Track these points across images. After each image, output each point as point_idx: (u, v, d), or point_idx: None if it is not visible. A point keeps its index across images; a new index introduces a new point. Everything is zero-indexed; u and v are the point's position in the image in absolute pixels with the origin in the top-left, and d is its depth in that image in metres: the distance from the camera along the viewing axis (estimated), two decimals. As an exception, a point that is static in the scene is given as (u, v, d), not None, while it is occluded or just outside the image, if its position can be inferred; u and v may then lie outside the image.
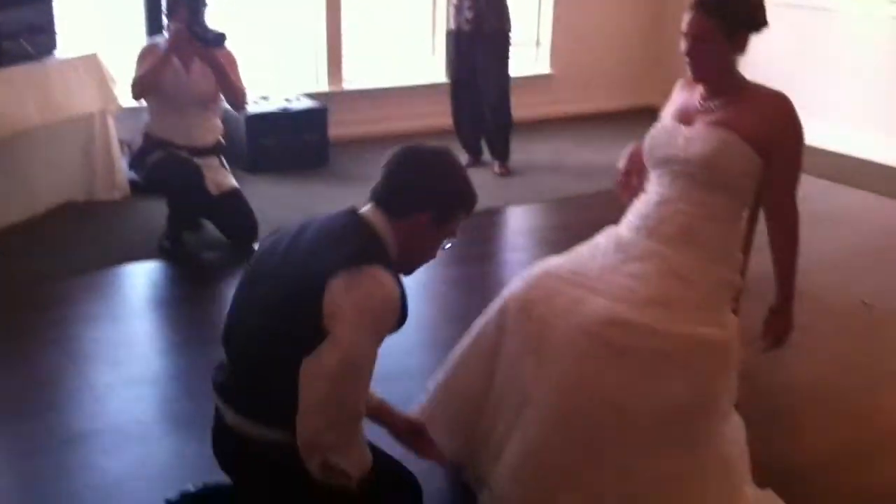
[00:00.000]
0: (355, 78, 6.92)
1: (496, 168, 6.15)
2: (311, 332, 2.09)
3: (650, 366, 2.51)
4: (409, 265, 2.33)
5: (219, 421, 2.35)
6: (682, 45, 2.67)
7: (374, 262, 2.16)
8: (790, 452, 3.10)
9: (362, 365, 2.14)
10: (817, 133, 5.95)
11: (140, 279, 4.43)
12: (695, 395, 2.54)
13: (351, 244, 2.18)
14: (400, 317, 2.19)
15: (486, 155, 6.31)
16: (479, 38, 5.91)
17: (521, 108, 7.35)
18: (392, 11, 6.40)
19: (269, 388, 2.19)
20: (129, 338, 3.82)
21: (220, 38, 4.47)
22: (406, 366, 3.38)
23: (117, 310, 4.11)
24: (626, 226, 2.81)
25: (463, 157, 6.20)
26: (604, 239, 2.82)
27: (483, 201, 2.50)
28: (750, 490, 2.68)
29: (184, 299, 4.29)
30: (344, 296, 2.09)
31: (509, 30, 6.02)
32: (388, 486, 2.31)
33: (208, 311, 4.10)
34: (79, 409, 3.25)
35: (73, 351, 3.66)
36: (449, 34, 6.06)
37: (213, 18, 4.69)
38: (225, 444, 2.36)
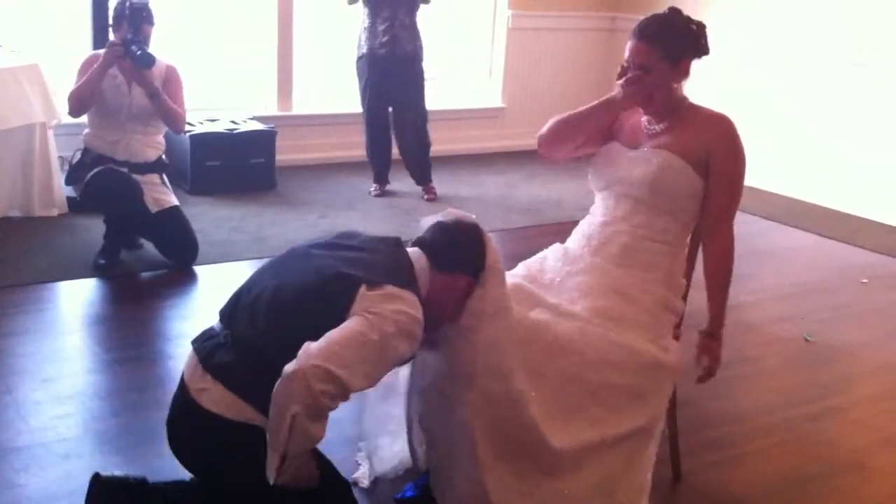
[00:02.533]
0: (305, 103, 6.87)
1: (424, 195, 6.10)
2: (331, 323, 2.13)
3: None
4: (430, 319, 2.31)
5: (186, 401, 2.28)
6: (623, 69, 2.66)
7: (412, 289, 2.23)
8: (731, 481, 3.06)
9: (381, 349, 2.14)
10: (765, 176, 6.07)
11: (74, 296, 4.30)
12: (639, 414, 2.50)
13: (394, 266, 2.28)
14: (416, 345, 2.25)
15: (391, 184, 6.26)
16: (394, 63, 5.84)
17: (472, 140, 7.42)
18: (343, 38, 6.37)
19: (268, 368, 2.14)
20: (59, 354, 3.69)
21: (148, 58, 4.35)
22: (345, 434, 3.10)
23: (48, 326, 3.97)
24: (572, 243, 2.80)
25: (371, 188, 6.17)
26: (551, 253, 2.81)
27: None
28: None
29: (117, 318, 4.15)
30: (373, 302, 2.14)
31: (422, 56, 5.95)
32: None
33: (140, 331, 3.99)
34: (3, 425, 3.11)
35: (0, 365, 3.52)
36: (361, 59, 5.92)
37: (163, 37, 4.61)
38: (191, 423, 2.29)
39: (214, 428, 2.22)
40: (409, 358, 2.30)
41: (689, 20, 2.64)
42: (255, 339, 2.24)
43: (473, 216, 2.49)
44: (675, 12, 2.65)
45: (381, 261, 2.30)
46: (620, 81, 2.65)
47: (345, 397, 2.12)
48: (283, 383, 2.06)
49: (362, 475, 2.86)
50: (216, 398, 2.22)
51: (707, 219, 2.68)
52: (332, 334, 2.10)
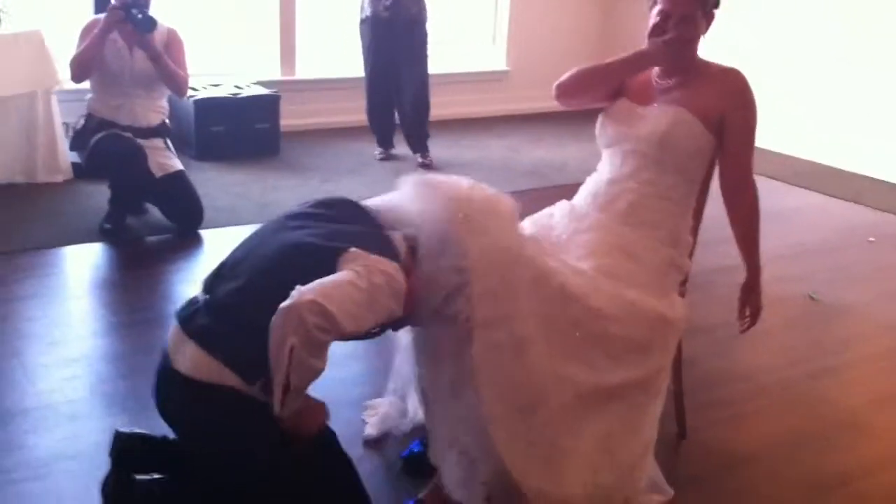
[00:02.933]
0: (309, 67, 6.85)
1: (419, 160, 6.06)
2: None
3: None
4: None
5: (167, 368, 2.28)
6: (658, 23, 2.62)
7: (396, 261, 2.23)
8: (735, 439, 3.09)
9: (370, 295, 2.14)
10: (771, 136, 6.04)
11: (80, 261, 4.32)
12: (639, 366, 2.52)
13: (377, 240, 2.29)
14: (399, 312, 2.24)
15: (396, 148, 6.25)
16: (397, 26, 5.80)
17: (476, 104, 7.40)
18: (346, 0, 6.35)
19: (250, 335, 2.14)
20: (66, 318, 3.72)
21: (148, 22, 4.34)
22: (351, 395, 3.15)
23: (55, 291, 4.00)
24: (579, 200, 2.80)
25: (376, 151, 6.17)
26: (558, 210, 2.81)
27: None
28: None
29: (123, 282, 4.19)
30: (360, 258, 2.16)
31: (426, 19, 5.91)
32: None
33: (146, 295, 4.02)
34: (10, 388, 3.14)
35: (7, 329, 3.55)
36: (364, 22, 5.91)
37: (164, 1, 4.60)
38: (172, 390, 2.29)
39: (192, 392, 2.22)
40: (395, 318, 2.29)
41: None
42: (233, 302, 2.24)
43: (439, 177, 2.47)
44: None
45: (363, 232, 2.30)
46: (661, 39, 2.62)
47: (337, 334, 2.11)
48: (277, 317, 2.06)
49: (370, 433, 2.90)
50: (194, 361, 2.21)
51: (730, 177, 2.68)
52: (324, 279, 2.11)
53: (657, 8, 2.64)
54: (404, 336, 2.68)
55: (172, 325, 2.33)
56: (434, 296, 2.33)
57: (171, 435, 2.48)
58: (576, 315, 2.46)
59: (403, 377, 2.83)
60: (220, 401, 2.19)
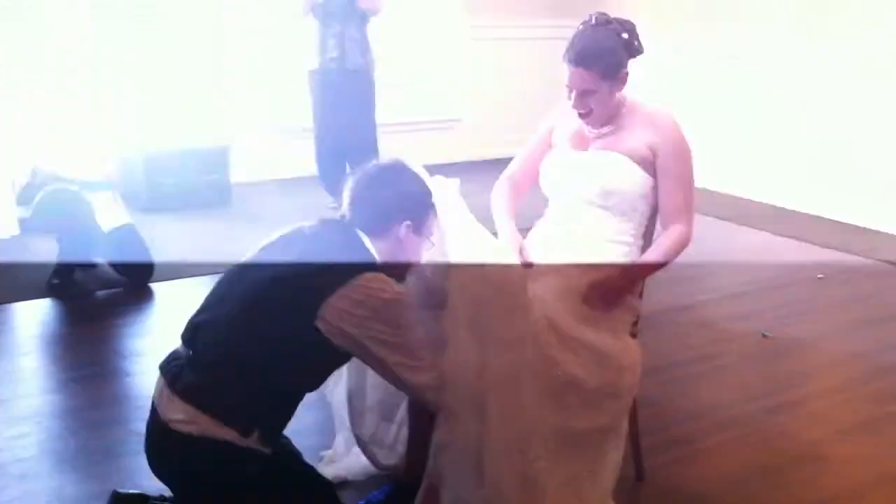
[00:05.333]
0: (258, 118, 6.83)
1: None
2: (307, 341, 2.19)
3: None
4: (399, 275, 2.38)
5: (158, 423, 2.26)
6: (568, 95, 2.71)
7: (370, 270, 2.27)
8: (693, 477, 3.08)
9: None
10: (718, 177, 6.15)
11: (28, 317, 4.25)
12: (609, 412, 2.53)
13: (347, 255, 2.31)
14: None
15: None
16: (344, 77, 5.86)
17: (429, 151, 7.40)
18: (295, 51, 6.36)
19: (235, 386, 2.18)
20: (13, 375, 3.64)
21: None
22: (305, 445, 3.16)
23: (2, 348, 3.92)
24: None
25: (328, 200, 6.17)
26: None
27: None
28: None
29: (72, 337, 4.12)
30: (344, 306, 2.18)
31: (373, 69, 5.97)
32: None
33: (96, 350, 3.95)
34: (-44, 448, 3.07)
35: (-48, 389, 3.47)
36: (312, 73, 5.94)
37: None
38: (165, 445, 2.28)
39: (186, 448, 2.22)
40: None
41: (618, 27, 2.66)
42: (218, 358, 2.23)
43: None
44: (602, 23, 2.66)
45: (334, 255, 2.31)
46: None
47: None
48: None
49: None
50: (185, 418, 2.20)
51: (666, 212, 2.71)
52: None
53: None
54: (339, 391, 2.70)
55: (157, 380, 2.31)
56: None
57: (165, 492, 2.47)
58: (549, 352, 2.46)
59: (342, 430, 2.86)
60: (215, 454, 2.19)
